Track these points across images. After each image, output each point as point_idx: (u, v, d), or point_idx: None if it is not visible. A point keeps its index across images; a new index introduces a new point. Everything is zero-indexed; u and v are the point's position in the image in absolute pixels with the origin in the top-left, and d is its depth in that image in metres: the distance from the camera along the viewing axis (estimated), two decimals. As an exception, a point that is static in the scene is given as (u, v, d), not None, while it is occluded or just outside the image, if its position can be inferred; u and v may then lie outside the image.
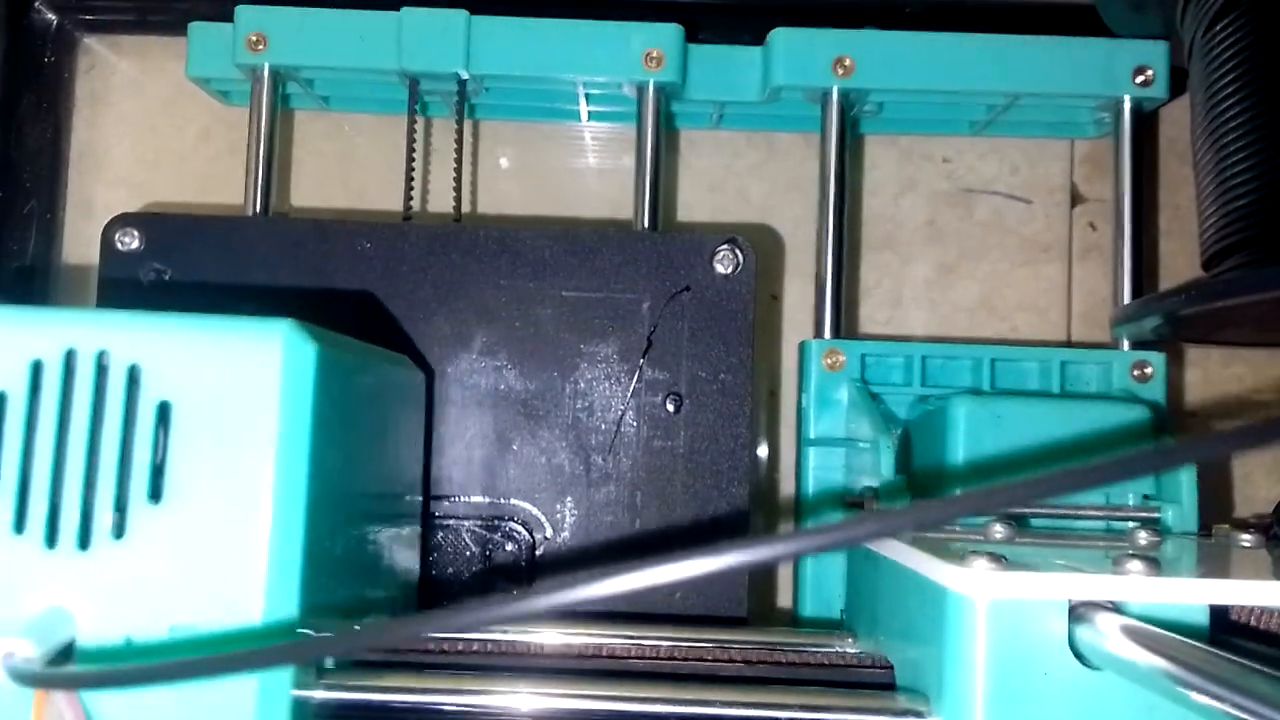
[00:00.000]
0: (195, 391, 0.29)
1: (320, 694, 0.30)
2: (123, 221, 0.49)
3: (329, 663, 0.31)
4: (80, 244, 0.60)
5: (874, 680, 0.34)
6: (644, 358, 0.47)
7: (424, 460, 0.45)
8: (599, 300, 0.48)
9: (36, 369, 0.29)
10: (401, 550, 0.42)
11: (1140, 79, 0.53)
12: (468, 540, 0.47)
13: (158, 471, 0.29)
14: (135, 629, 0.28)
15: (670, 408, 0.47)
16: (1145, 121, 0.57)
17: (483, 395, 0.48)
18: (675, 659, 0.35)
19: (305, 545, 0.29)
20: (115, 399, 0.29)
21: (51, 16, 0.60)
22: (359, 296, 0.48)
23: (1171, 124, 0.60)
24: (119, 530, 0.29)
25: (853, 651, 0.37)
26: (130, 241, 0.48)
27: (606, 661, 0.35)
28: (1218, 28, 0.45)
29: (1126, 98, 0.53)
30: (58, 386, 0.29)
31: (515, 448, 0.48)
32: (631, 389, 0.47)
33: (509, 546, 0.47)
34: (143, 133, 0.61)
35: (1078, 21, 0.55)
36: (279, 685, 0.29)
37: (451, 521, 0.47)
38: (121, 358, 0.29)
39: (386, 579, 0.40)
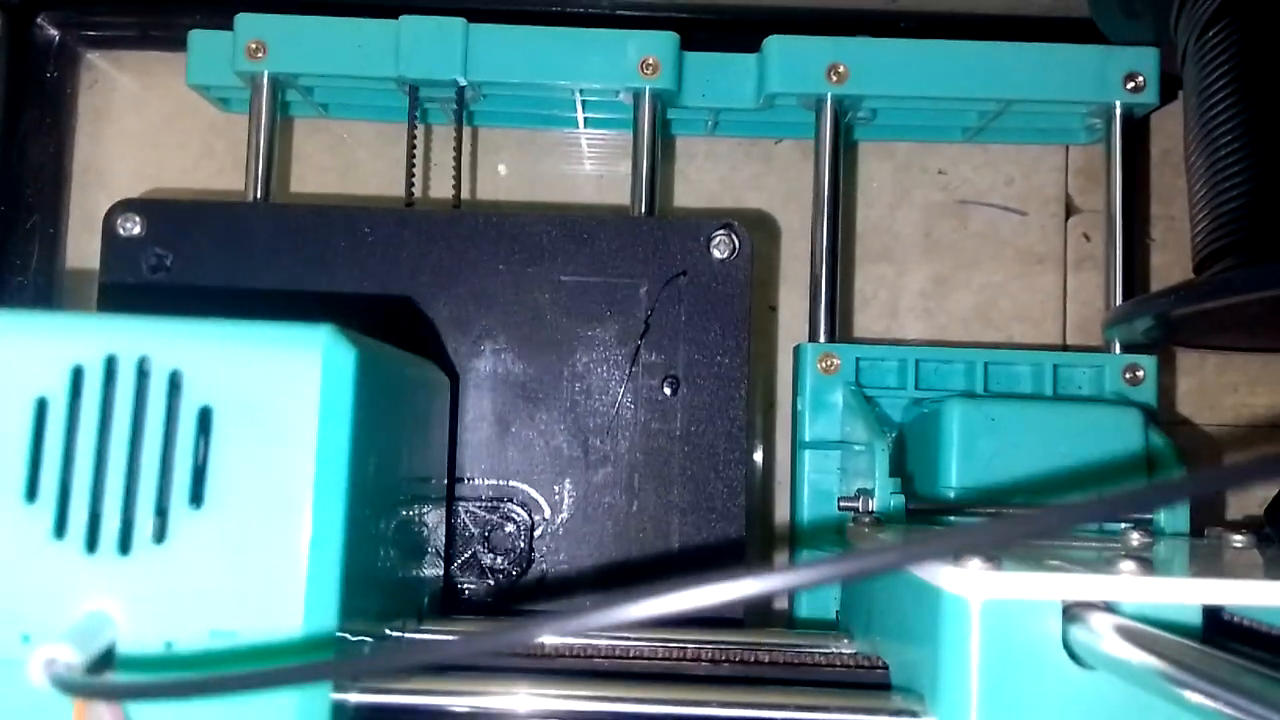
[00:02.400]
0: (236, 397, 0.29)
1: (357, 697, 0.30)
2: (124, 207, 0.49)
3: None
4: (83, 258, 0.60)
5: (869, 680, 0.35)
6: (641, 341, 0.47)
7: (449, 463, 0.46)
8: (597, 285, 0.48)
9: (77, 374, 0.29)
10: (430, 550, 0.42)
11: (1131, 85, 0.53)
12: (467, 521, 0.47)
13: (199, 476, 0.29)
14: (175, 633, 0.28)
15: (667, 391, 0.47)
16: (1137, 128, 0.57)
17: (482, 379, 0.48)
18: (671, 660, 0.35)
19: (344, 549, 0.29)
20: (157, 404, 0.29)
21: (54, 32, 0.60)
22: (361, 282, 0.49)
23: (1165, 135, 0.60)
24: (160, 535, 0.28)
25: (848, 652, 0.37)
26: (132, 227, 0.48)
27: (602, 662, 0.35)
28: (1210, 33, 0.45)
29: (1118, 104, 0.54)
30: (99, 392, 0.29)
31: (514, 430, 0.48)
32: (629, 372, 0.47)
33: (508, 528, 0.47)
34: (145, 148, 0.61)
35: (1069, 34, 0.56)
36: (319, 691, 0.29)
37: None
38: (163, 363, 0.29)
39: (415, 579, 0.40)
